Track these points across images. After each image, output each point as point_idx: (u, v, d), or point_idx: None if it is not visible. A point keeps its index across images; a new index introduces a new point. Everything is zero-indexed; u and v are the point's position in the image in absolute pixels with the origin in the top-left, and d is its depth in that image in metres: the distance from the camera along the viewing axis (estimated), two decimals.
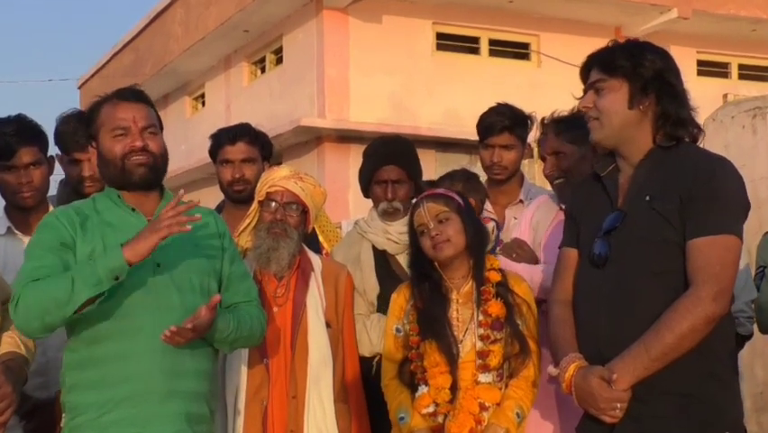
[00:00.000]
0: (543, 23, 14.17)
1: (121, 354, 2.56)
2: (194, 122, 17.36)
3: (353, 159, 11.76)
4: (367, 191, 3.70)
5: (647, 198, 2.53)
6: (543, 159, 3.44)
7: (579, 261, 2.72)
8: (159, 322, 2.52)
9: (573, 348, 2.60)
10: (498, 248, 3.41)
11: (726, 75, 15.72)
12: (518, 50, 14.58)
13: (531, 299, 3.06)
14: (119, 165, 2.67)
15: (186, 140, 16.54)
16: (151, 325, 2.54)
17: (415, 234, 3.07)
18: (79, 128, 3.33)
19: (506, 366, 2.98)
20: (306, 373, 3.19)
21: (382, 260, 3.58)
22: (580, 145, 3.30)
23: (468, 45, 14.21)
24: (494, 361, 2.94)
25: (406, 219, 3.51)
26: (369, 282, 3.52)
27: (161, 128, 2.79)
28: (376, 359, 3.39)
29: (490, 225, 3.52)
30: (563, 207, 3.38)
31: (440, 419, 2.96)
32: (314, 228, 3.61)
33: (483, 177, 3.92)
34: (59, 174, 3.65)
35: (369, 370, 3.40)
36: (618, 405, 2.44)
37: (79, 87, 21.55)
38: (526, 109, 3.97)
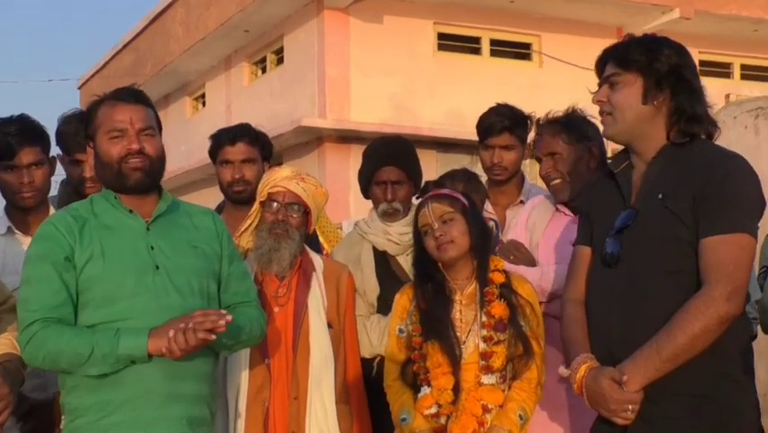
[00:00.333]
0: (544, 23, 14.16)
1: None
2: (194, 122, 17.36)
3: (354, 159, 11.73)
4: (367, 192, 3.69)
5: (660, 195, 2.48)
6: (538, 160, 3.42)
7: (592, 259, 2.69)
8: (158, 324, 2.50)
9: (585, 348, 2.57)
10: (496, 249, 3.40)
11: (728, 75, 15.71)
12: (520, 51, 14.58)
13: (535, 300, 3.04)
14: (115, 168, 2.65)
15: (186, 140, 16.54)
16: (151, 327, 2.51)
17: (419, 234, 3.05)
18: (81, 129, 3.28)
19: (509, 368, 2.97)
20: (307, 374, 3.18)
21: (383, 261, 3.56)
22: (576, 146, 3.29)
23: (469, 45, 14.21)
24: (497, 362, 2.93)
25: (406, 220, 3.51)
26: (369, 283, 3.51)
27: (160, 129, 2.76)
28: (376, 360, 3.39)
29: (490, 226, 3.50)
30: (559, 207, 3.37)
31: (442, 420, 2.95)
32: (314, 229, 3.59)
33: (484, 177, 3.90)
34: (59, 174, 3.64)
35: (369, 371, 3.39)
36: (630, 406, 2.41)
37: (80, 88, 21.55)
38: (528, 109, 3.95)
